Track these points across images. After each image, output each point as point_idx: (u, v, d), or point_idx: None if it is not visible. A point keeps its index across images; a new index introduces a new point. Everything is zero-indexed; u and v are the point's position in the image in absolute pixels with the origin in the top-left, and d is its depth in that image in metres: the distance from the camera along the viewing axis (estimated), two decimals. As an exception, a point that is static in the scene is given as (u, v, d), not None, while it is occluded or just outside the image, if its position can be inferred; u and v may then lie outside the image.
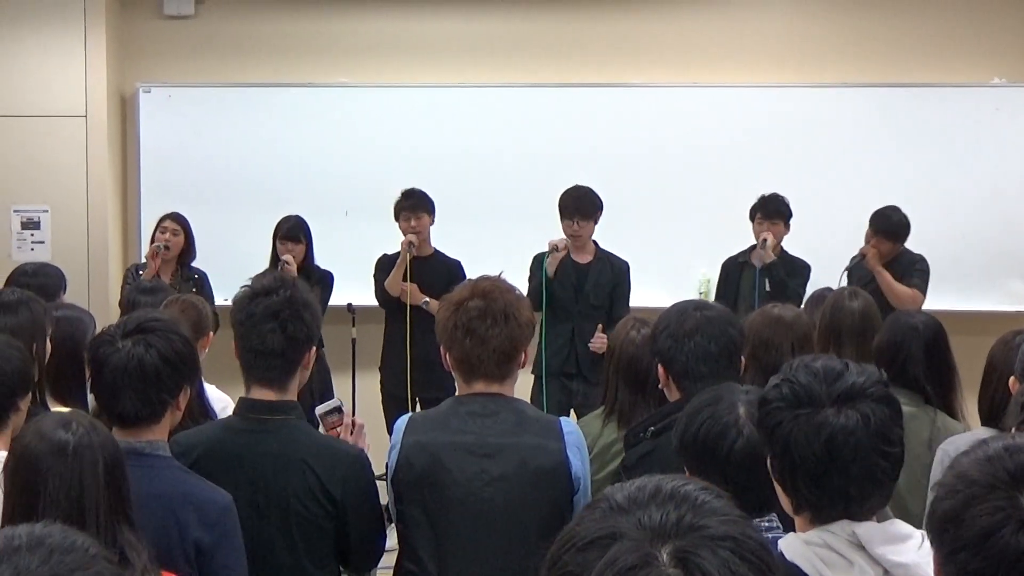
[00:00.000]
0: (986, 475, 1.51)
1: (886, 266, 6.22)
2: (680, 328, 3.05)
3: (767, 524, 2.27)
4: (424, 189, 6.50)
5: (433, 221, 6.48)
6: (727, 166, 7.34)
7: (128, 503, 2.31)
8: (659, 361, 3.10)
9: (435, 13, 7.69)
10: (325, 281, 6.58)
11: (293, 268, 6.39)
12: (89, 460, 2.27)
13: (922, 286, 6.23)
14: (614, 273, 6.21)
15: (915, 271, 6.25)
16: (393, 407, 6.29)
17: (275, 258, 6.62)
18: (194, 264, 6.65)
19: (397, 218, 6.43)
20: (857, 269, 6.28)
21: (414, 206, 6.40)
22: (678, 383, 3.05)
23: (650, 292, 6.67)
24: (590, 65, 7.60)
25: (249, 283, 2.98)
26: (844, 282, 5.96)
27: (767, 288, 6.07)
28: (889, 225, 6.23)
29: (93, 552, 1.31)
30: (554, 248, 6.02)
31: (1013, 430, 2.60)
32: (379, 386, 6.61)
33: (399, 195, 6.47)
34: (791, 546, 1.96)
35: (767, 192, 6.40)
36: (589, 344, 6.01)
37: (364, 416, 6.62)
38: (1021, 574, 1.47)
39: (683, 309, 3.14)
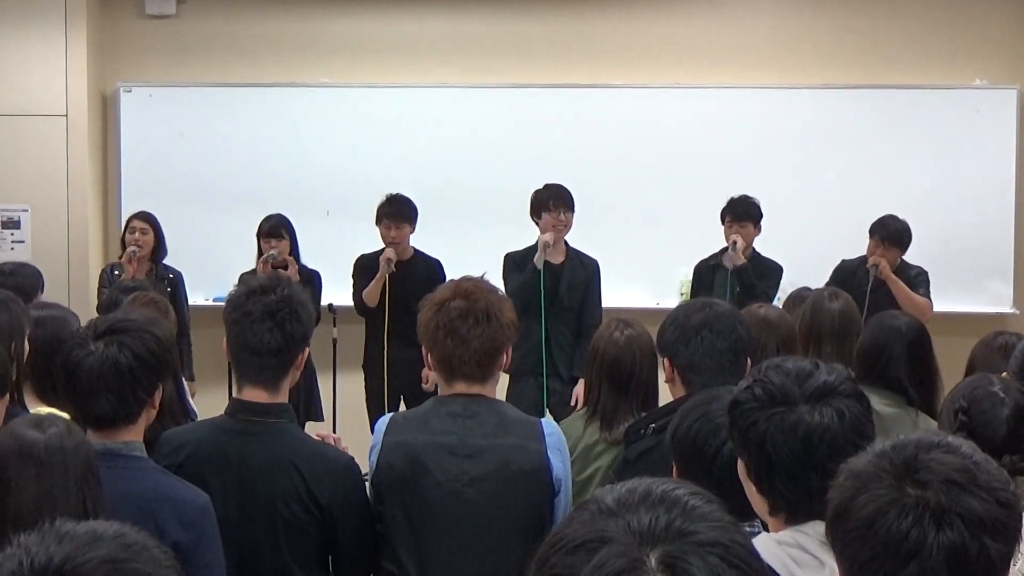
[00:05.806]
0: (872, 467, 1.54)
1: None
2: (688, 322, 3.07)
3: (751, 529, 2.26)
4: (405, 189, 6.47)
5: (414, 229, 6.43)
6: (710, 167, 7.34)
7: (97, 514, 2.24)
8: (665, 355, 3.10)
9: (417, 13, 7.67)
10: (314, 281, 6.53)
11: (282, 259, 6.37)
12: (59, 463, 2.23)
13: (929, 296, 6.33)
14: (586, 273, 6.17)
15: (920, 282, 6.34)
16: (377, 406, 6.26)
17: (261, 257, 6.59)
18: (171, 263, 6.62)
19: (378, 222, 6.39)
20: (858, 276, 6.24)
21: (396, 215, 6.35)
22: (683, 377, 3.05)
23: (633, 293, 6.68)
24: (572, 66, 7.59)
25: (239, 283, 2.95)
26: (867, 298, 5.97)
27: (737, 289, 6.07)
28: (897, 234, 6.27)
29: None
30: (546, 244, 5.97)
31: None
32: (363, 385, 6.56)
33: (383, 198, 6.42)
34: (763, 546, 1.96)
35: (736, 194, 6.36)
36: None
37: (346, 416, 6.68)
38: (907, 559, 1.46)
39: (691, 305, 3.18)
